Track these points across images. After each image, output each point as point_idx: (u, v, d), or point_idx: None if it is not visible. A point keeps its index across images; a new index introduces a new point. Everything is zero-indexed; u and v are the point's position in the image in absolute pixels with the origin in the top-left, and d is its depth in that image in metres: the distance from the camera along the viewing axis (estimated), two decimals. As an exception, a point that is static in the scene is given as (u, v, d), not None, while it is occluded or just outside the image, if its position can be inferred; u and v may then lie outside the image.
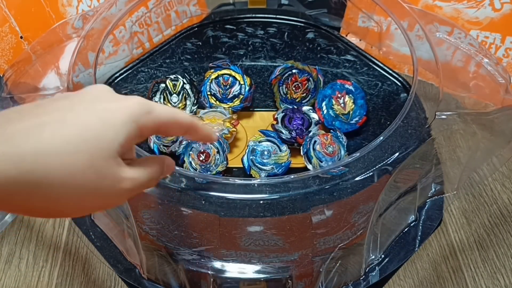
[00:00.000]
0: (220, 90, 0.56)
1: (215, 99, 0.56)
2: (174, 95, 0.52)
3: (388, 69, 0.60)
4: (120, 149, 0.27)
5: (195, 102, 0.53)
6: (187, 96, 0.53)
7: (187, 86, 0.53)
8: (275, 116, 0.53)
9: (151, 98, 0.51)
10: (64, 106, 0.27)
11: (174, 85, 0.52)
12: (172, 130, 0.32)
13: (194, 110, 0.53)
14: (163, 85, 0.52)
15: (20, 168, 0.23)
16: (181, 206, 0.41)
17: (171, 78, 0.52)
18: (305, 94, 0.57)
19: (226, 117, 0.54)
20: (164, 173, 0.33)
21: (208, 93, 0.56)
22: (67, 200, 0.25)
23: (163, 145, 0.51)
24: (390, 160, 0.41)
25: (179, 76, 0.53)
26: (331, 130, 0.53)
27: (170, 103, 0.52)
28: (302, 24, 0.66)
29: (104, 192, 0.27)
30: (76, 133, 0.25)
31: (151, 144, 0.52)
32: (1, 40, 0.55)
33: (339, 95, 0.55)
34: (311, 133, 0.52)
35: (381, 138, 0.42)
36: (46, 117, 0.25)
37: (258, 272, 0.44)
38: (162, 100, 0.52)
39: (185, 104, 0.53)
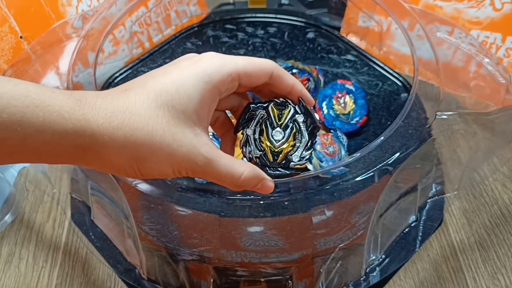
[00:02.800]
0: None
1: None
2: (278, 129, 0.34)
3: (388, 69, 0.60)
4: (196, 116, 0.28)
5: (309, 144, 0.34)
6: (297, 134, 0.34)
7: (300, 118, 0.34)
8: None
9: (242, 128, 0.34)
10: (149, 73, 0.29)
11: (280, 114, 0.34)
12: (255, 78, 0.30)
13: (306, 157, 0.34)
14: (262, 111, 0.34)
15: (111, 122, 0.26)
16: (181, 206, 0.41)
17: (276, 101, 0.34)
18: (305, 94, 0.57)
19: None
20: (254, 187, 0.31)
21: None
22: (149, 160, 0.27)
23: None
24: (390, 160, 0.41)
25: (289, 101, 0.34)
26: (332, 130, 0.53)
27: (269, 140, 0.34)
28: (303, 24, 0.66)
29: (180, 160, 0.27)
30: (153, 98, 0.27)
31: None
32: (1, 40, 0.55)
33: (339, 95, 0.54)
34: (311, 133, 0.52)
35: (382, 138, 0.42)
36: (132, 84, 0.28)
37: (258, 272, 0.44)
38: (258, 134, 0.34)
39: (294, 146, 0.34)
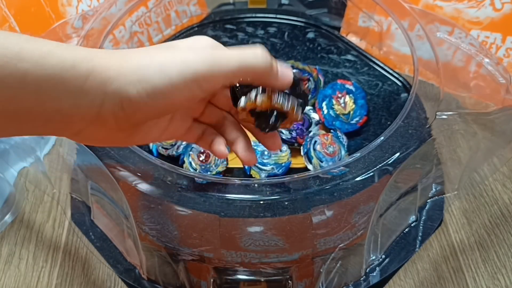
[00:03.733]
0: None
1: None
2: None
3: (388, 69, 0.60)
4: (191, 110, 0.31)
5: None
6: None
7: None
8: (275, 116, 0.53)
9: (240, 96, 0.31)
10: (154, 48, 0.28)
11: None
12: (245, 79, 0.29)
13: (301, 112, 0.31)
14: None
15: (128, 79, 0.25)
16: (181, 206, 0.41)
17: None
18: (305, 94, 0.57)
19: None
20: (274, 73, 0.28)
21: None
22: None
23: (162, 147, 0.51)
24: (390, 160, 0.41)
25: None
26: (332, 130, 0.53)
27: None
28: (303, 24, 0.66)
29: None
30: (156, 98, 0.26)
31: (150, 144, 0.52)
32: (0, 40, 0.55)
33: (339, 95, 0.54)
34: (311, 133, 0.52)
35: (382, 138, 0.42)
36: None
37: (258, 272, 0.44)
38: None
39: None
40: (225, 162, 0.50)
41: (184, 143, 0.51)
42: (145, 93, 0.25)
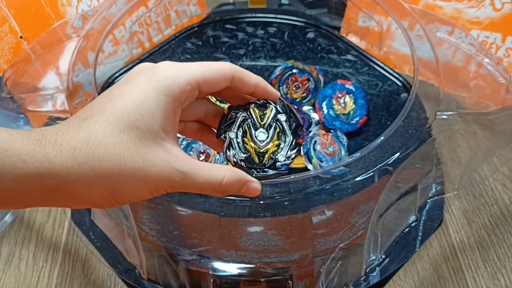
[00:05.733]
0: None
1: (215, 100, 0.56)
2: (261, 129, 0.33)
3: (388, 69, 0.60)
4: (163, 132, 0.27)
5: (293, 144, 0.33)
6: (281, 133, 0.33)
7: (282, 118, 0.33)
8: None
9: (224, 132, 0.33)
10: (105, 94, 0.28)
11: (262, 114, 0.33)
12: (215, 84, 0.29)
13: (292, 157, 0.33)
14: (244, 113, 0.33)
15: (76, 158, 0.24)
16: (181, 206, 0.41)
17: (256, 103, 0.33)
18: (305, 94, 0.57)
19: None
20: (239, 191, 0.30)
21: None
22: (122, 188, 0.26)
23: None
24: (390, 160, 0.41)
25: (270, 101, 0.33)
26: (332, 130, 0.53)
27: (253, 141, 0.32)
28: (303, 24, 0.66)
29: (155, 180, 0.27)
30: (115, 123, 0.26)
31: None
32: (0, 40, 0.55)
33: (339, 95, 0.54)
34: (311, 133, 0.52)
35: (382, 138, 0.42)
36: (90, 111, 0.26)
37: (258, 272, 0.44)
38: (241, 136, 0.33)
39: (278, 146, 0.32)
40: (225, 162, 0.50)
41: (184, 143, 0.51)
42: (114, 201, 0.27)
